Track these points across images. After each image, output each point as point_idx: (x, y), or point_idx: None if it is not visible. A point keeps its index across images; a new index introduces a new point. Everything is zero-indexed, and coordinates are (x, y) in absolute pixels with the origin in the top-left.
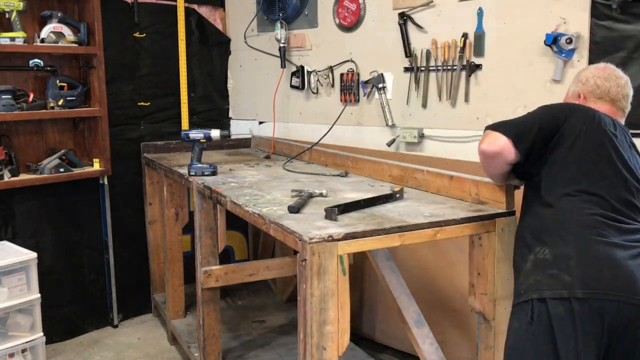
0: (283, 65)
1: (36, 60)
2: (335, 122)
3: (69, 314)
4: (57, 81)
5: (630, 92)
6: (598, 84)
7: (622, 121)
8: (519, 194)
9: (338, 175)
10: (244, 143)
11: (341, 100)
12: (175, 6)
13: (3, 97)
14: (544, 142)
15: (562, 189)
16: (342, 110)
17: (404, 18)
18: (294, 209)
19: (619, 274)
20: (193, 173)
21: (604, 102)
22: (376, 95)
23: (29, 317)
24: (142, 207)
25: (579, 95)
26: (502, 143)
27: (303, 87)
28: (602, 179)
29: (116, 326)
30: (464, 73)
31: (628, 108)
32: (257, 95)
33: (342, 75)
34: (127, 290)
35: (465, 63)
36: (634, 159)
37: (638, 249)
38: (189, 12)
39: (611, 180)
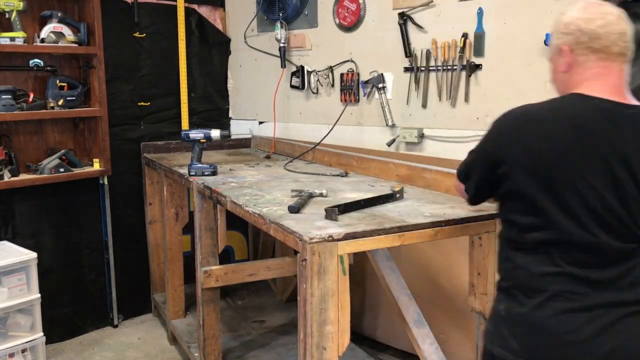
0: (283, 65)
1: (36, 60)
2: (337, 122)
3: (69, 314)
4: (57, 81)
5: (629, 28)
6: (582, 27)
7: (628, 69)
8: None
9: (338, 175)
10: (244, 143)
11: (341, 100)
12: (175, 6)
13: (3, 97)
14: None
15: (523, 229)
16: (343, 111)
17: (404, 18)
18: (294, 209)
19: (568, 355)
20: (193, 173)
21: (596, 54)
22: (376, 95)
23: (29, 317)
24: (142, 207)
25: (561, 50)
26: (460, 189)
27: (303, 87)
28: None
29: (116, 326)
30: (464, 73)
31: (631, 49)
32: (257, 95)
33: (342, 75)
34: (127, 290)
35: (465, 63)
36: None
37: (610, 314)
38: (189, 12)
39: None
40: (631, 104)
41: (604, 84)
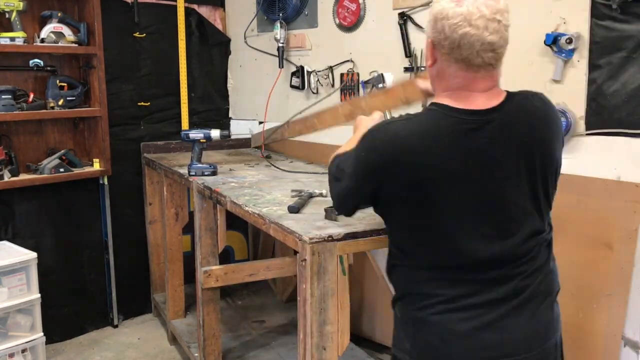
0: (281, 65)
1: (36, 60)
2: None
3: (69, 314)
4: (57, 81)
5: (499, 36)
6: (445, 31)
7: (498, 72)
8: None
9: None
10: (244, 143)
11: (341, 101)
12: (175, 6)
13: (3, 97)
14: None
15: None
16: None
17: (404, 18)
18: (294, 209)
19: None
20: (193, 173)
21: (458, 63)
22: None
23: (29, 317)
24: (142, 207)
25: (428, 43)
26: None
27: (303, 87)
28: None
29: (116, 326)
30: None
31: (502, 55)
32: (257, 95)
33: (342, 75)
34: (127, 290)
35: None
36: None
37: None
38: (189, 12)
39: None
40: (498, 105)
41: (470, 91)
